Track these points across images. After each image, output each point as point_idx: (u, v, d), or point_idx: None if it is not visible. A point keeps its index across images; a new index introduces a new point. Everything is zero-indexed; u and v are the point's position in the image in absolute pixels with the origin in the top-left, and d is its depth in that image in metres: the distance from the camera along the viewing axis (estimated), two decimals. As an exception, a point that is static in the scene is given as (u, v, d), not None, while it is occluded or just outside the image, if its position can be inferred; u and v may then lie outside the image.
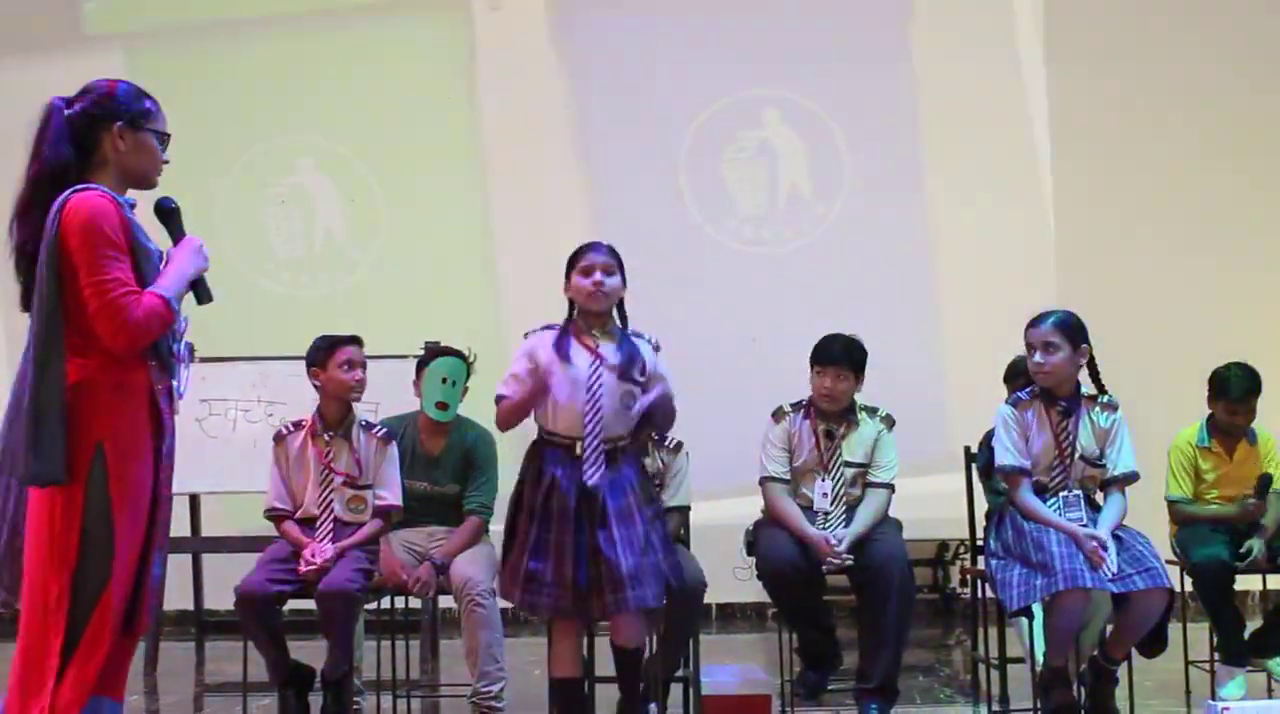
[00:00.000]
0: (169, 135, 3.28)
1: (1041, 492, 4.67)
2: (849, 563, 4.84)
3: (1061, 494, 4.64)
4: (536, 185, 8.17)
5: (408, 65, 8.24)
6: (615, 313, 4.34)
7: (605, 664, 4.54)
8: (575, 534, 4.11)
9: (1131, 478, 4.69)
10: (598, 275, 4.23)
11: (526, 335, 4.34)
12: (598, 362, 4.20)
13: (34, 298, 3.04)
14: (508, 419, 4.31)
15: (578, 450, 4.16)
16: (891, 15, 8.22)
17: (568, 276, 4.32)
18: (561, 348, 4.22)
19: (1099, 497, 4.72)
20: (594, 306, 4.26)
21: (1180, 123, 8.07)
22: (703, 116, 8.20)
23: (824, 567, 4.85)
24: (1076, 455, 4.66)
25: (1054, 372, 4.65)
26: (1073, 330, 4.67)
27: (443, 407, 5.26)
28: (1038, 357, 4.66)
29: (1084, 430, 4.68)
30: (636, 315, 4.35)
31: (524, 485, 4.27)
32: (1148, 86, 8.10)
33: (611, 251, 4.31)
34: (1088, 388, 4.77)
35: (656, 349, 4.35)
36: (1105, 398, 4.74)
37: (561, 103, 8.22)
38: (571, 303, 4.34)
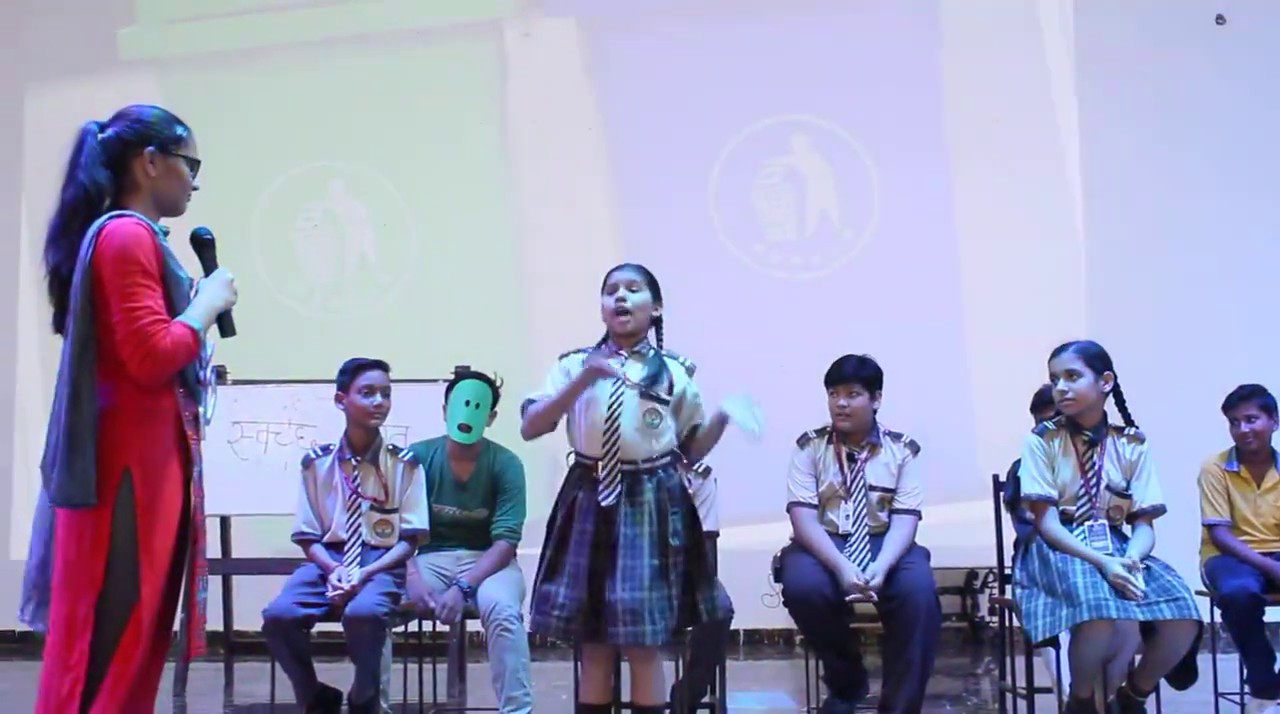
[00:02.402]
0: (199, 162, 3.31)
1: (1068, 521, 4.68)
2: (875, 599, 4.84)
3: (1087, 523, 4.65)
4: (567, 211, 8.20)
5: (440, 91, 8.29)
6: (652, 335, 4.26)
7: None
8: (590, 557, 4.06)
9: (1159, 511, 4.70)
10: (620, 292, 4.17)
11: (561, 357, 4.26)
12: (619, 380, 4.11)
13: (68, 321, 3.06)
14: (533, 422, 4.19)
15: (598, 471, 4.09)
16: (922, 42, 8.23)
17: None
18: None
19: (1126, 529, 4.72)
20: (616, 325, 4.19)
21: (1213, 150, 8.04)
22: (732, 143, 8.22)
23: (849, 597, 4.86)
24: (1102, 485, 4.67)
25: (1078, 399, 4.67)
26: (1095, 358, 4.70)
27: (465, 429, 5.28)
28: (1061, 385, 4.70)
29: (1110, 461, 4.70)
30: (666, 340, 4.31)
31: (556, 508, 4.23)
32: (1180, 115, 8.07)
33: (640, 270, 4.25)
34: (1115, 420, 4.78)
35: (691, 371, 4.26)
36: (1132, 430, 4.76)
37: (592, 129, 8.26)
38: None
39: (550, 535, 4.18)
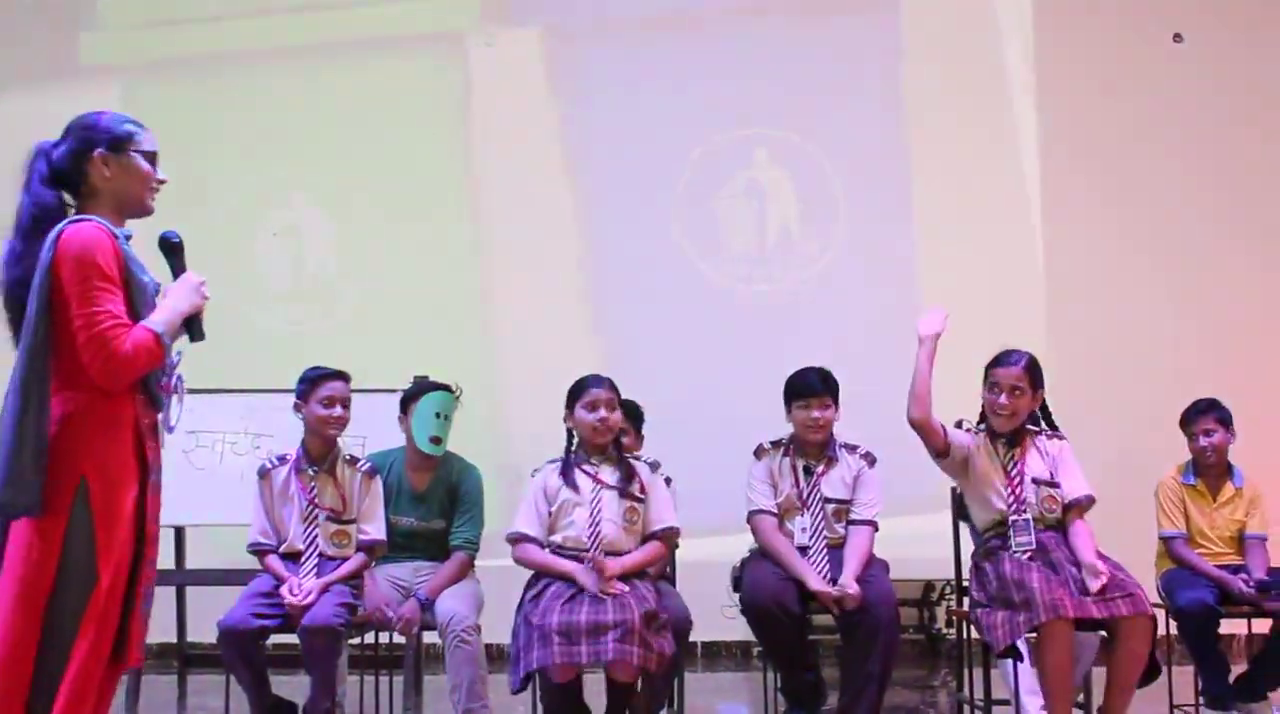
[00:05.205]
0: (156, 153, 3.26)
1: (1001, 523, 4.69)
2: (853, 604, 4.81)
3: (1011, 519, 4.66)
4: (528, 221, 8.19)
5: (402, 100, 8.27)
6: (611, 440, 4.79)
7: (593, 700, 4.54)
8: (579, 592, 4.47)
9: (1090, 502, 4.72)
10: (602, 411, 4.70)
11: (534, 473, 4.79)
12: (598, 486, 4.68)
13: (22, 326, 3.03)
14: (523, 564, 4.73)
15: (584, 558, 4.56)
16: (884, 56, 8.27)
17: (570, 408, 4.77)
18: (567, 477, 4.71)
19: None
20: (598, 441, 4.73)
21: (1170, 161, 8.11)
22: (695, 155, 8.23)
23: (833, 592, 4.81)
24: (1027, 480, 4.71)
25: (1017, 415, 4.75)
26: (1038, 375, 4.79)
27: (436, 441, 5.25)
28: (1003, 398, 4.75)
29: (1032, 456, 4.77)
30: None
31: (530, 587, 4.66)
32: (1138, 124, 8.15)
33: (614, 386, 4.75)
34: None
35: (655, 467, 4.83)
36: (1048, 430, 4.85)
37: (554, 139, 8.26)
38: (570, 433, 4.78)
39: (530, 602, 4.55)
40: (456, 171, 8.29)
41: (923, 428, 4.73)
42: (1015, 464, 4.73)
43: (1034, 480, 4.71)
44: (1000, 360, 4.81)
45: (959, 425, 4.88)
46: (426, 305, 8.10)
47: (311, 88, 8.28)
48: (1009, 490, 4.70)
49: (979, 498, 4.80)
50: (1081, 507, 4.72)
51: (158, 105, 7.90)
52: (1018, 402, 4.73)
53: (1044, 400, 4.84)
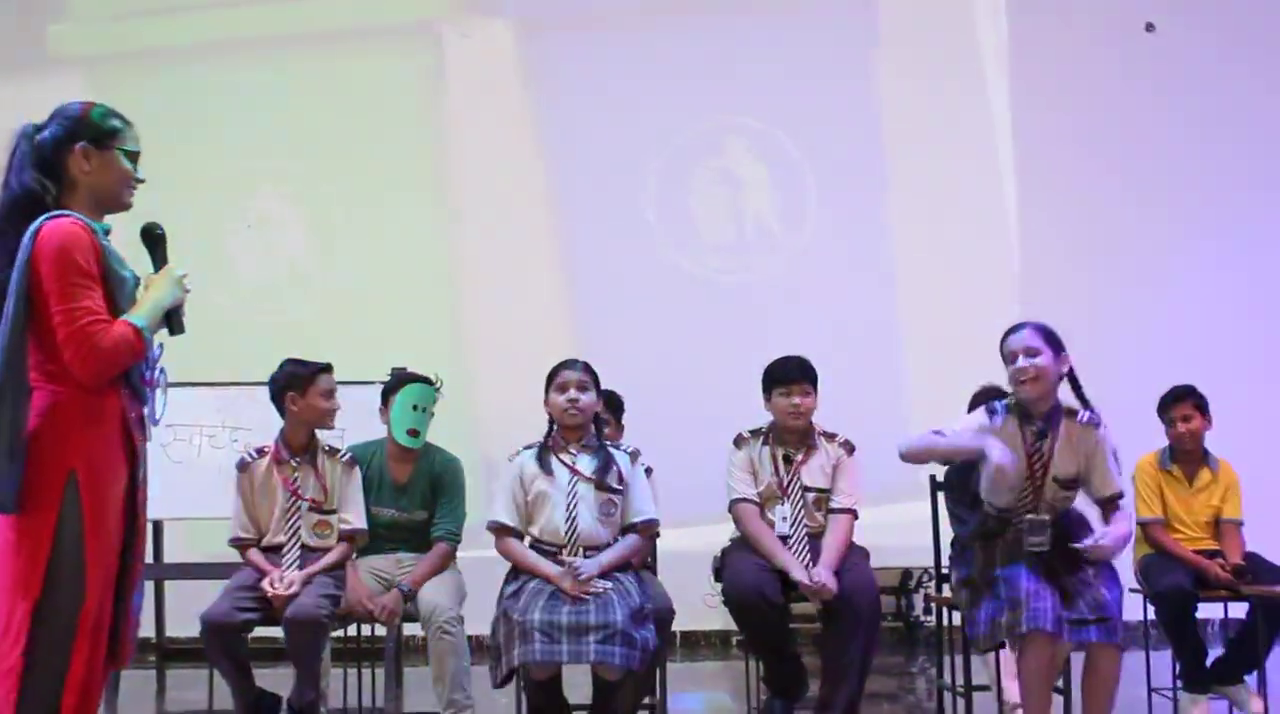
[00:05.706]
0: (138, 153, 3.25)
1: (1009, 512, 4.51)
2: (833, 593, 4.79)
3: (1027, 517, 4.43)
4: (503, 212, 8.18)
5: (376, 92, 8.25)
6: (591, 426, 4.75)
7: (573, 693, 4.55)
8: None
9: (1120, 496, 4.53)
10: (572, 392, 4.66)
11: (511, 458, 4.75)
12: (575, 477, 4.65)
13: (1, 325, 3.01)
14: (506, 557, 4.69)
15: (561, 556, 4.54)
16: (858, 44, 8.30)
17: (546, 392, 4.74)
18: (543, 463, 4.67)
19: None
20: (569, 422, 4.68)
21: (1144, 155, 8.17)
22: (670, 145, 8.24)
23: (812, 583, 4.76)
24: (1049, 477, 4.48)
25: (1040, 376, 4.40)
26: (1053, 336, 4.48)
27: (414, 433, 5.24)
28: (1021, 361, 4.42)
29: (1061, 452, 4.48)
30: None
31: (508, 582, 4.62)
32: (1112, 116, 8.20)
33: (586, 368, 4.70)
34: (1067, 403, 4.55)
35: (634, 457, 4.80)
36: (1086, 415, 4.50)
37: (529, 131, 8.25)
38: (551, 419, 4.74)
39: (509, 598, 4.51)
40: (429, 162, 8.27)
41: (914, 462, 4.65)
42: (1042, 458, 4.45)
43: (1055, 479, 4.48)
44: (1009, 332, 4.53)
45: (990, 412, 4.50)
46: (401, 297, 8.08)
47: (283, 78, 8.25)
48: (1028, 481, 4.46)
49: (994, 487, 4.46)
50: (1113, 502, 4.51)
51: (127, 97, 7.68)
52: (1038, 361, 4.39)
53: (1072, 369, 4.49)
